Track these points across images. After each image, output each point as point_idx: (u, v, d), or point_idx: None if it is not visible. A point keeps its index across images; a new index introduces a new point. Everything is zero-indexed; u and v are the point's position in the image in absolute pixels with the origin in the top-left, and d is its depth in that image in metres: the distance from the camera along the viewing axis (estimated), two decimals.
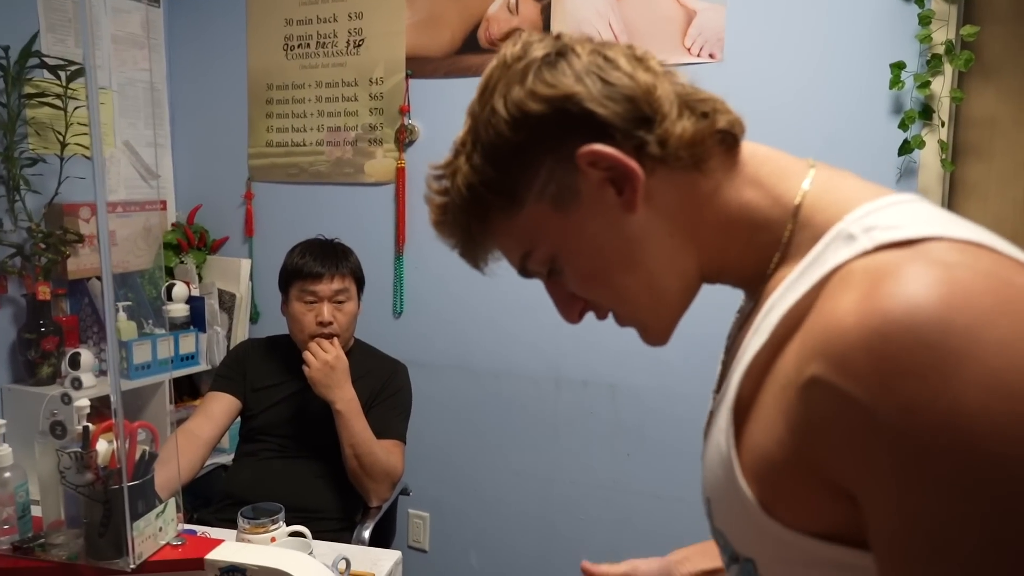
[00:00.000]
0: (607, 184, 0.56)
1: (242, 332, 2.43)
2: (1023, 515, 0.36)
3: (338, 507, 1.79)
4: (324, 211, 2.32)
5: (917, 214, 0.47)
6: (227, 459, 2.15)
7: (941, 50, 1.60)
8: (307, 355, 1.72)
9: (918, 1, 1.61)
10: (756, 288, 0.58)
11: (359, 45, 2.23)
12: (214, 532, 1.26)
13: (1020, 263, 0.43)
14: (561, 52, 0.57)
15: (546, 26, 2.00)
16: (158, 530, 0.99)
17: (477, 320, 2.17)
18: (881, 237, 0.45)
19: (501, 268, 0.66)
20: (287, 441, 1.81)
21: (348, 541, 1.65)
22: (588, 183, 0.56)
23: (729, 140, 0.57)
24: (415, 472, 2.24)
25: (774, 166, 0.58)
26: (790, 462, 0.46)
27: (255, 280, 2.45)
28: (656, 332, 0.63)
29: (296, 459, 1.80)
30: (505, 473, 2.18)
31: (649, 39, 1.90)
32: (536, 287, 0.67)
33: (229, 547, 0.99)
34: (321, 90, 2.30)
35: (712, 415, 0.61)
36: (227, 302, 2.42)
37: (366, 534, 1.73)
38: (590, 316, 0.65)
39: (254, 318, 2.46)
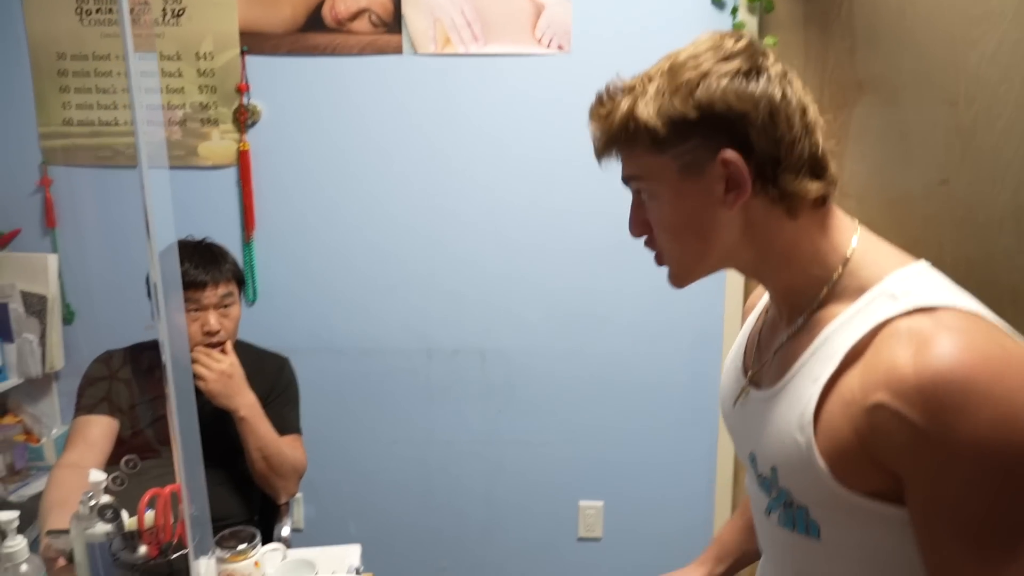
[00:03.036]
0: (722, 180, 0.72)
1: (56, 337, 2.17)
2: (1006, 500, 0.60)
3: (243, 511, 1.77)
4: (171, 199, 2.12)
5: (935, 282, 0.70)
6: None
7: None
8: (198, 368, 1.65)
9: (732, 12, 1.93)
10: (791, 304, 0.78)
11: (179, 15, 2.04)
12: None
13: (996, 325, 0.66)
14: (758, 70, 0.72)
15: (396, 9, 2.01)
16: None
17: (341, 302, 2.18)
18: (916, 301, 0.66)
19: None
20: None
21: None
22: (712, 171, 0.72)
23: (824, 199, 0.75)
24: None
25: (836, 220, 0.76)
26: (855, 451, 0.66)
27: (64, 277, 2.18)
28: (680, 279, 0.81)
29: None
30: (380, 444, 2.27)
31: (501, 28, 2.01)
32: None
33: None
34: None
35: (747, 394, 0.83)
36: (35, 305, 2.13)
37: (285, 532, 1.75)
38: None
39: (68, 319, 2.20)
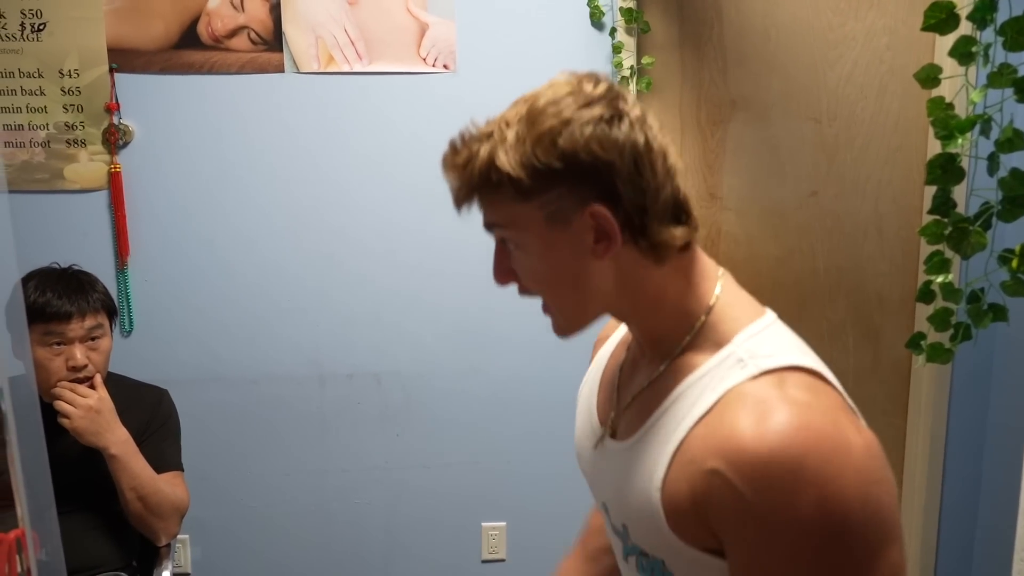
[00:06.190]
0: (591, 231, 0.70)
1: None
2: (816, 573, 0.62)
3: (119, 556, 1.65)
4: (11, 224, 1.97)
5: (780, 340, 0.72)
6: None
7: (628, 74, 2.00)
8: (62, 405, 1.53)
9: (611, 32, 1.99)
10: (656, 349, 0.77)
11: (40, 30, 1.92)
12: None
13: (834, 391, 0.69)
14: (619, 116, 0.69)
15: (276, 26, 1.96)
16: None
17: (225, 328, 2.09)
18: (762, 364, 0.68)
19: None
20: None
21: None
22: (580, 221, 0.70)
23: (688, 243, 0.74)
24: None
25: (700, 266, 0.76)
26: (689, 511, 0.67)
27: None
28: (565, 330, 0.79)
29: (63, 515, 1.60)
30: (272, 477, 2.18)
31: (385, 47, 2.00)
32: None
33: None
34: None
35: (603, 443, 0.82)
36: None
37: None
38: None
39: None
